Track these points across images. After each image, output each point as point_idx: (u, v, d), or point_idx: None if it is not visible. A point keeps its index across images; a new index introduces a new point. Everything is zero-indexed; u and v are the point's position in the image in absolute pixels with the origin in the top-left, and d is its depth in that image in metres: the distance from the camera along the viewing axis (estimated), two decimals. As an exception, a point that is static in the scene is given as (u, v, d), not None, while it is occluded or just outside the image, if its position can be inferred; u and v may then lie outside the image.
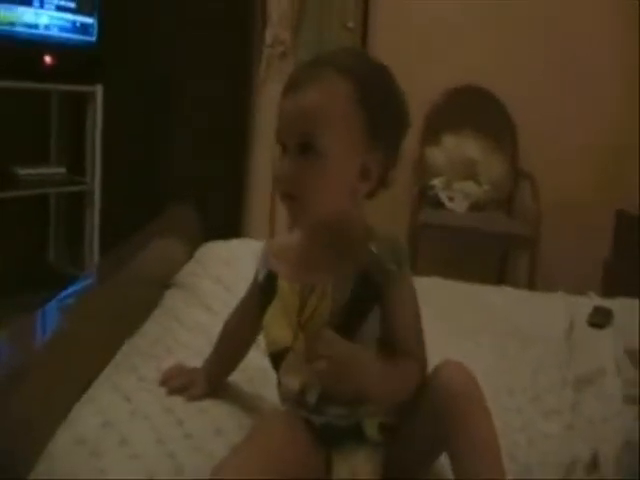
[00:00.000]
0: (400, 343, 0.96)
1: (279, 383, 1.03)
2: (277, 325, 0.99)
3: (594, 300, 1.80)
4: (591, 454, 1.02)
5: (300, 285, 0.97)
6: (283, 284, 0.99)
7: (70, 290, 1.35)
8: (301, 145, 0.90)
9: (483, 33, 3.05)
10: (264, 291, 1.02)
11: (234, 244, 1.78)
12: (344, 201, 0.94)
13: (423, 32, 3.06)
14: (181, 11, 2.97)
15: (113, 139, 2.93)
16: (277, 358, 1.00)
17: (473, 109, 3.06)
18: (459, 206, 2.99)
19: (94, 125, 2.90)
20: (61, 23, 2.73)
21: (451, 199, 3.00)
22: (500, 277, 3.06)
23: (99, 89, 2.86)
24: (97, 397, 1.04)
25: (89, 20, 2.81)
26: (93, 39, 2.84)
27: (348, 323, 0.93)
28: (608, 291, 2.03)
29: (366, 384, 0.91)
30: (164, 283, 1.56)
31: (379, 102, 0.92)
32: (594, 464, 1.00)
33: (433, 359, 0.98)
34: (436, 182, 3.02)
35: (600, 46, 2.98)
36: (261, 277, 1.03)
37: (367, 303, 0.93)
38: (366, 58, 0.99)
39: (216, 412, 1.02)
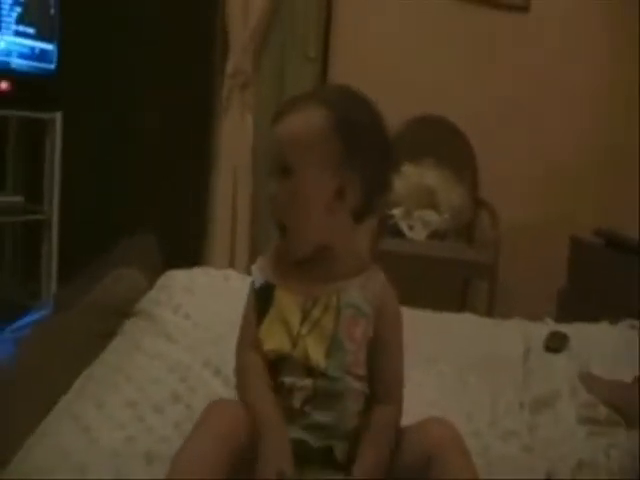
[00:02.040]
0: (383, 384, 1.02)
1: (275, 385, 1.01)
2: (276, 335, 1.01)
3: (550, 325, 1.84)
4: (546, 473, 1.04)
5: (302, 297, 1.01)
6: (281, 295, 1.02)
7: (25, 320, 1.33)
8: (282, 170, 1.00)
9: (445, 64, 3.13)
10: (259, 301, 1.04)
11: (195, 273, 1.78)
12: (324, 220, 1.00)
13: (384, 62, 3.12)
14: (142, 40, 2.98)
15: (72, 168, 2.90)
16: (274, 365, 1.01)
17: (433, 139, 3.13)
18: (419, 234, 3.03)
19: (53, 153, 2.87)
20: (20, 49, 2.71)
21: (411, 228, 3.04)
22: (461, 303, 3.10)
23: (58, 116, 2.84)
24: (54, 427, 1.02)
25: (49, 47, 2.80)
26: (52, 66, 2.82)
27: (350, 333, 0.99)
28: (563, 316, 2.08)
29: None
30: (124, 312, 1.54)
31: (356, 131, 1.00)
32: (549, 484, 1.02)
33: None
34: (396, 212, 3.05)
35: (560, 78, 3.11)
36: (257, 287, 1.06)
37: (366, 312, 1.01)
38: (351, 94, 1.05)
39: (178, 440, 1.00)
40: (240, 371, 1.05)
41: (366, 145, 1.01)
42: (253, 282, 1.07)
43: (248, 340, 1.05)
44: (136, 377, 1.21)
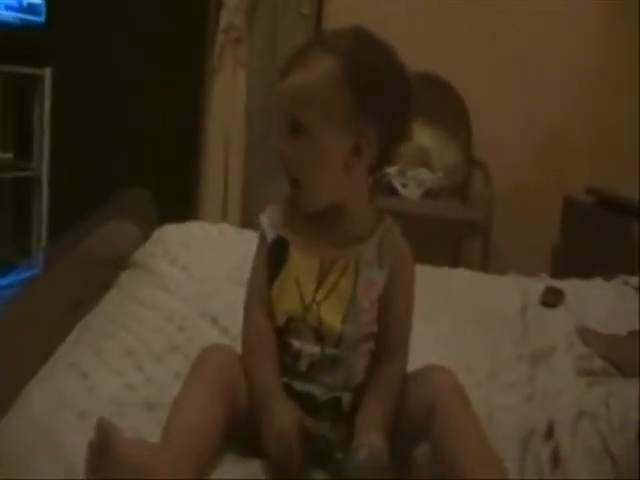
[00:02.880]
0: (391, 340, 0.99)
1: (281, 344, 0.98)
2: (289, 298, 0.96)
3: (546, 281, 1.85)
4: (547, 423, 1.04)
5: (318, 259, 0.96)
6: (296, 255, 0.97)
7: (15, 276, 1.31)
8: (293, 127, 0.93)
9: (440, 21, 3.09)
10: (272, 256, 0.98)
11: (191, 226, 1.76)
12: (340, 178, 0.95)
13: (379, 19, 3.03)
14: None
15: (62, 124, 2.85)
16: (284, 326, 0.97)
17: (427, 97, 3.08)
18: (413, 193, 3.02)
19: (42, 109, 2.82)
20: (7, 1, 2.64)
21: (405, 186, 3.03)
22: (454, 262, 3.10)
23: (48, 72, 2.78)
24: (52, 374, 1.01)
25: (36, 0, 2.73)
26: (41, 19, 2.75)
27: (367, 295, 0.96)
28: (557, 274, 2.08)
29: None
30: (119, 264, 1.52)
31: (371, 80, 0.92)
32: (549, 432, 1.03)
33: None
34: (390, 170, 3.03)
35: (558, 41, 3.07)
36: (269, 241, 0.99)
37: (381, 268, 0.96)
38: (363, 37, 0.97)
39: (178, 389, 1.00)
40: (247, 335, 0.99)
41: (383, 93, 0.93)
42: (263, 234, 1.00)
43: (258, 299, 0.99)
44: (133, 327, 1.20)
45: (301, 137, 0.93)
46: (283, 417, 0.89)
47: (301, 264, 0.96)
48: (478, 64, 3.09)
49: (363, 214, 0.99)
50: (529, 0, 3.08)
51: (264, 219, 1.01)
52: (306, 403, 0.95)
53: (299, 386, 0.95)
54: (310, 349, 0.94)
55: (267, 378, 0.94)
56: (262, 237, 1.01)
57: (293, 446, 0.87)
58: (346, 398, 0.96)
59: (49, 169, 2.83)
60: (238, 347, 1.00)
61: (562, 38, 3.08)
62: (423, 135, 3.10)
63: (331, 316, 0.95)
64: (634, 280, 1.86)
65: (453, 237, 3.22)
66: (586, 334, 1.46)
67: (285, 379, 0.95)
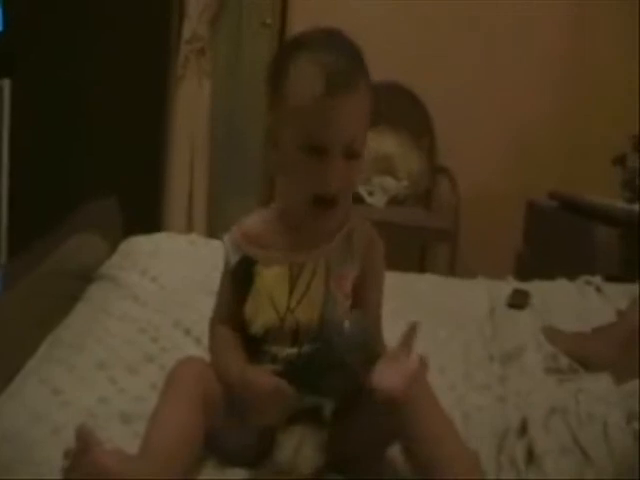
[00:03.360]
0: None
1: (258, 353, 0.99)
2: (263, 313, 0.96)
3: (512, 284, 1.87)
4: (520, 421, 1.06)
5: (287, 267, 0.96)
6: (263, 270, 0.97)
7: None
8: (348, 149, 0.92)
9: (400, 29, 3.11)
10: (238, 278, 0.99)
11: (158, 237, 1.74)
12: None
13: (341, 28, 3.08)
14: (97, 7, 2.88)
15: (21, 135, 2.80)
16: (262, 336, 0.97)
17: (390, 105, 3.11)
18: (378, 201, 3.04)
19: (1, 121, 2.77)
20: (-37, 13, 2.59)
21: (370, 194, 3.05)
22: (420, 269, 3.13)
23: (6, 83, 2.73)
24: (23, 391, 0.99)
25: (-7, 8, 2.68)
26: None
27: (341, 287, 0.97)
28: (522, 277, 2.12)
29: None
30: (85, 277, 1.50)
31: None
32: (523, 429, 1.04)
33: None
34: (356, 178, 3.05)
35: (517, 43, 3.11)
36: (233, 263, 1.00)
37: (352, 259, 0.98)
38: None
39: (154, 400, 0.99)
40: (213, 345, 1.01)
41: None
42: (227, 259, 1.01)
43: (223, 315, 1.01)
44: (105, 339, 1.18)
45: (354, 159, 0.93)
46: (260, 373, 0.90)
47: (270, 278, 0.96)
48: (440, 71, 3.12)
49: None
50: (492, 6, 3.12)
51: (227, 241, 1.01)
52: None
53: None
54: (287, 351, 0.95)
55: (237, 361, 0.94)
56: (226, 259, 1.02)
57: (281, 386, 0.88)
58: (328, 407, 0.96)
59: (9, 184, 2.78)
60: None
61: (526, 44, 3.12)
62: (387, 143, 3.12)
63: (307, 317, 0.95)
64: (596, 280, 1.90)
65: (420, 244, 3.25)
66: (551, 334, 1.49)
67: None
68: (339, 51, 0.95)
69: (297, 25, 3.13)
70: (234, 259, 1.00)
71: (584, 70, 3.13)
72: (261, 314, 0.96)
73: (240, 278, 0.98)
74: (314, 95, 0.89)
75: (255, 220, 1.03)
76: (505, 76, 3.15)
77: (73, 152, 2.99)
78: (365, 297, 1.00)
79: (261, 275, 0.97)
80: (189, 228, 3.03)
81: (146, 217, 2.99)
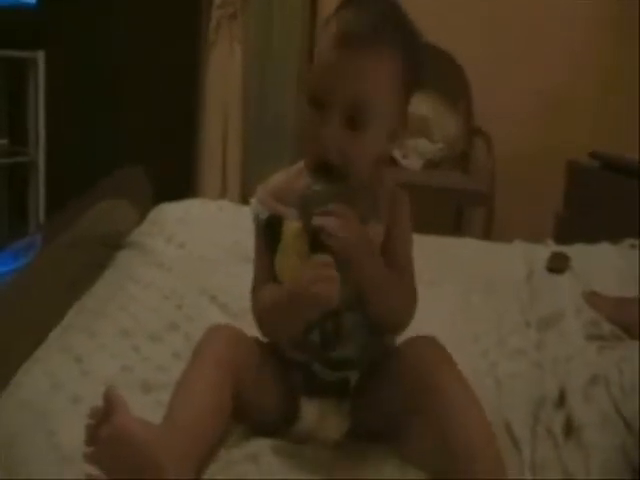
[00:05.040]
0: (396, 268, 0.94)
1: None
2: (289, 266, 0.92)
3: (551, 247, 1.81)
4: (558, 390, 1.02)
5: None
6: (290, 228, 0.93)
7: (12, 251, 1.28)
8: (350, 111, 0.86)
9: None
10: (268, 237, 0.96)
11: (188, 204, 1.73)
12: (374, 164, 0.93)
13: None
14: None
15: (56, 106, 2.80)
16: None
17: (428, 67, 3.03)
18: (413, 163, 2.98)
19: (36, 93, 2.77)
20: (-5, -16, 2.58)
21: (405, 156, 2.98)
22: (456, 232, 3.07)
23: (41, 55, 2.73)
24: (45, 358, 0.98)
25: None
26: (33, 1, 2.69)
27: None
28: (562, 240, 2.04)
29: (369, 268, 0.88)
30: (114, 244, 1.49)
31: (416, 74, 0.90)
32: (561, 399, 1.00)
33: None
34: (389, 140, 2.98)
35: (553, 5, 2.99)
36: (262, 221, 0.97)
37: (376, 216, 0.93)
38: (402, 17, 0.92)
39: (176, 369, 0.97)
40: (260, 305, 0.95)
41: (417, 83, 0.92)
42: (257, 217, 0.97)
43: (263, 279, 0.96)
44: (129, 306, 1.17)
45: (357, 128, 0.86)
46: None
47: (295, 234, 0.92)
48: (477, 33, 3.03)
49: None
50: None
51: (254, 202, 0.99)
52: (313, 382, 0.93)
53: (310, 364, 0.94)
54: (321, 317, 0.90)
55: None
56: (255, 220, 0.98)
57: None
58: (354, 378, 0.94)
59: (45, 153, 2.79)
60: (238, 324, 0.97)
61: (562, 6, 3.00)
62: (423, 105, 3.04)
63: None
64: (641, 243, 1.82)
65: (455, 207, 3.18)
66: (593, 298, 1.43)
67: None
68: (370, 12, 0.88)
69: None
70: (263, 216, 0.97)
71: (622, 27, 2.99)
72: (288, 269, 0.92)
73: (270, 237, 0.95)
74: (327, 47, 0.86)
75: (280, 178, 1.00)
76: (540, 36, 3.04)
77: (107, 121, 3.00)
78: (394, 253, 0.95)
79: (287, 230, 0.93)
80: (223, 194, 3.02)
81: (180, 184, 2.99)
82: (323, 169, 0.88)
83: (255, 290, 0.98)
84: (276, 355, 0.96)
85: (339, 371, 0.94)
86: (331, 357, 0.94)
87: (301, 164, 0.98)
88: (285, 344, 0.96)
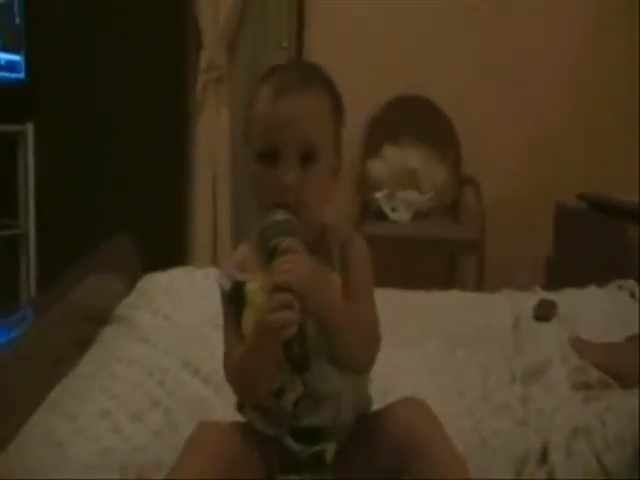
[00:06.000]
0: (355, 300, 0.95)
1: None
2: (255, 320, 0.93)
3: (538, 294, 1.81)
4: (541, 445, 1.01)
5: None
6: (251, 288, 0.96)
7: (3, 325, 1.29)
8: (302, 151, 0.92)
9: (420, 43, 3.07)
10: (234, 304, 0.98)
11: (174, 273, 1.74)
12: (325, 200, 0.98)
13: (358, 46, 3.07)
14: (114, 44, 2.92)
15: (45, 177, 2.84)
16: None
17: (413, 119, 3.08)
18: (403, 216, 2.99)
19: (26, 165, 2.82)
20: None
21: (394, 210, 3.00)
22: (449, 281, 3.07)
23: (30, 128, 2.79)
24: (25, 442, 0.98)
25: (16, 58, 2.74)
26: (21, 76, 2.77)
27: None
28: (553, 284, 2.05)
29: (329, 303, 0.90)
30: (101, 319, 1.50)
31: (341, 113, 0.99)
32: (544, 455, 0.99)
33: (381, 371, 0.96)
34: (379, 195, 3.01)
35: (540, 47, 3.06)
36: (227, 289, 0.99)
37: (330, 263, 0.96)
38: (317, 67, 1.03)
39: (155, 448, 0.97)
40: (229, 367, 0.98)
41: (342, 115, 1.00)
42: (222, 292, 1.01)
43: (233, 348, 0.98)
44: (111, 386, 1.17)
45: (311, 166, 0.92)
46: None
47: (258, 294, 0.94)
48: (461, 81, 3.07)
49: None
50: (509, 15, 3.07)
51: (220, 276, 1.02)
52: (286, 457, 0.93)
53: (282, 439, 0.94)
54: (291, 382, 0.92)
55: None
56: (222, 292, 1.01)
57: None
58: (330, 450, 0.94)
59: (35, 225, 2.82)
60: (219, 397, 0.98)
61: (546, 49, 3.06)
62: (410, 157, 3.08)
63: None
64: (629, 284, 1.83)
65: (446, 256, 3.19)
66: (579, 345, 1.42)
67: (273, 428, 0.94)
68: (297, 70, 1.03)
69: (313, 47, 3.12)
70: (227, 287, 1.00)
71: (608, 66, 3.05)
72: (252, 322, 0.93)
73: (236, 303, 0.98)
74: (265, 103, 0.94)
75: (243, 248, 1.03)
76: (527, 78, 3.08)
77: (97, 189, 3.02)
78: (352, 295, 0.96)
79: (250, 293, 0.96)
80: (215, 258, 3.03)
81: (172, 250, 3.01)
82: (282, 208, 0.92)
83: (226, 357, 0.99)
84: (253, 435, 0.96)
85: (311, 444, 0.93)
86: (302, 427, 0.93)
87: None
88: (257, 415, 0.96)
